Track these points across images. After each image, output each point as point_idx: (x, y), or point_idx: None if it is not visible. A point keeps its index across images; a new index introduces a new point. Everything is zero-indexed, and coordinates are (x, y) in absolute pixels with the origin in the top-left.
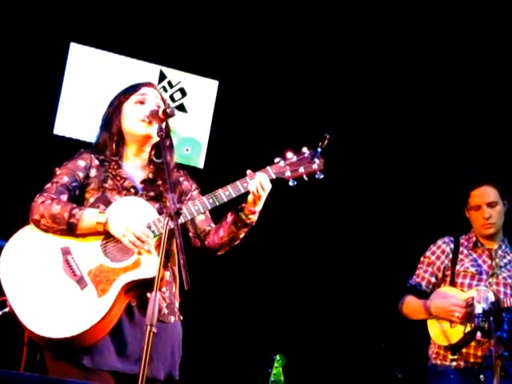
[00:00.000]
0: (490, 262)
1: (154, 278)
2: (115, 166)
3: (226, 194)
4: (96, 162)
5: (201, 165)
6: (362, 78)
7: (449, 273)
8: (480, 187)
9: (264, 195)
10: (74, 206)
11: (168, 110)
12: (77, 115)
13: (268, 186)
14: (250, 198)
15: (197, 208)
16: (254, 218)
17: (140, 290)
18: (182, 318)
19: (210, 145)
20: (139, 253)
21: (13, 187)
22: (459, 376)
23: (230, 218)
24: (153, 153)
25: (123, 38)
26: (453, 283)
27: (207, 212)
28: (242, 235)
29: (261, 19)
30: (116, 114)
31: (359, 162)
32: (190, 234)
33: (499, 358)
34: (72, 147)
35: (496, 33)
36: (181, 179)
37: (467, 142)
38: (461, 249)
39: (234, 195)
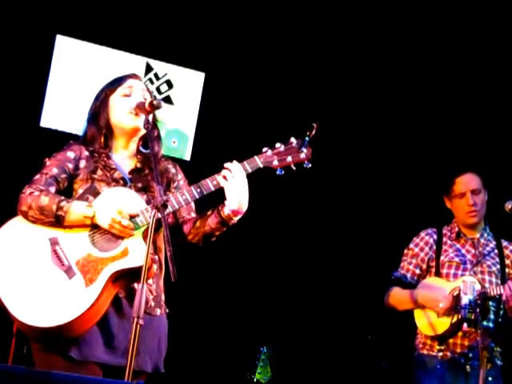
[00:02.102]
0: (473, 251)
1: (141, 266)
2: (105, 157)
3: (213, 183)
4: (86, 153)
5: (187, 157)
6: (348, 69)
7: (433, 264)
8: (464, 174)
9: (236, 184)
10: (62, 198)
11: (154, 102)
12: (63, 107)
13: (237, 172)
14: (225, 191)
15: (184, 198)
16: (235, 218)
17: (128, 280)
18: (167, 310)
19: (196, 137)
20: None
21: None
22: (446, 366)
23: (209, 212)
24: (140, 143)
25: (109, 31)
26: (438, 274)
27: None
28: (217, 233)
29: (247, 11)
30: (103, 107)
31: (342, 154)
32: (169, 220)
33: (486, 350)
34: (59, 139)
35: (481, 31)
36: (169, 166)
37: (448, 133)
38: (444, 239)
39: (221, 184)
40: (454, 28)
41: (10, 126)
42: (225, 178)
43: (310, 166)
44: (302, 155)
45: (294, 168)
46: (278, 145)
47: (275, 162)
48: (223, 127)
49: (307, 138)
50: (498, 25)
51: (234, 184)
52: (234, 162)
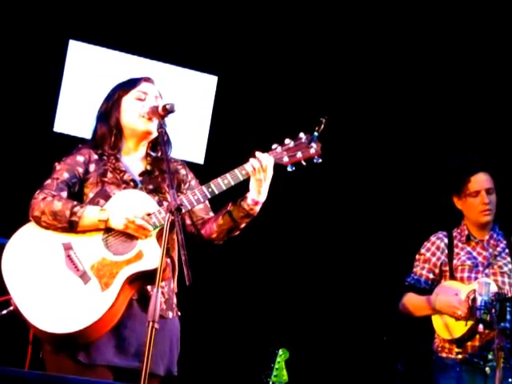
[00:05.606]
0: (484, 253)
1: (156, 269)
2: (113, 160)
3: (224, 182)
4: (95, 157)
5: (201, 160)
6: (358, 69)
7: (447, 268)
8: (478, 173)
9: (264, 177)
10: (75, 203)
11: (168, 106)
12: (77, 112)
13: (267, 165)
14: (251, 183)
15: (196, 198)
16: (256, 208)
17: (142, 282)
18: (179, 313)
19: (210, 140)
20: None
21: (13, 185)
22: (466, 368)
23: (230, 207)
24: (149, 146)
25: (122, 35)
26: (452, 278)
27: (206, 201)
28: (242, 225)
29: (260, 14)
30: (115, 107)
31: (351, 159)
32: (187, 222)
33: (501, 350)
34: (72, 144)
35: (483, 28)
36: (179, 167)
37: (454, 135)
38: (455, 242)
39: (232, 183)
40: (464, 29)
41: (24, 131)
42: (253, 168)
43: (321, 161)
44: (312, 150)
45: (305, 164)
46: (287, 141)
47: (285, 159)
48: (236, 130)
49: (316, 133)
50: (502, 25)
51: (263, 174)
52: (263, 153)
